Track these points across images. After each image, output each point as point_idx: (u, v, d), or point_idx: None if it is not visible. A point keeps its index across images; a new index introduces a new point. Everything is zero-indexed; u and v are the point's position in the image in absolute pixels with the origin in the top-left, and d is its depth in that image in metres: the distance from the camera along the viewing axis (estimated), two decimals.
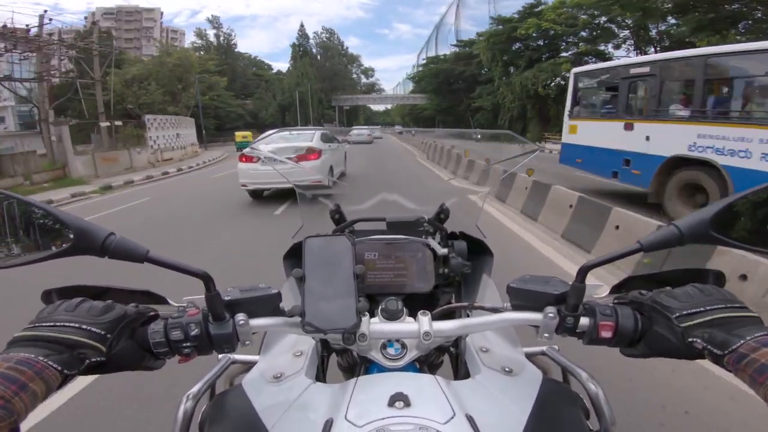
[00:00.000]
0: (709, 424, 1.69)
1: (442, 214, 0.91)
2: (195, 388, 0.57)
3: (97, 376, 0.45)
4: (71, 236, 0.42)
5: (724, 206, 0.45)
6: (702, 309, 0.44)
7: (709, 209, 0.45)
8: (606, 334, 0.48)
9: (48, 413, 1.80)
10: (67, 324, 0.42)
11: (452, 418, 0.42)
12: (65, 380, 0.40)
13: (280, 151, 5.06)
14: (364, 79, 59.81)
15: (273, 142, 5.03)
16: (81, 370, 0.41)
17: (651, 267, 2.72)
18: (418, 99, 46.64)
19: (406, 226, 0.88)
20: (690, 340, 0.43)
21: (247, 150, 5.04)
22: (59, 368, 0.39)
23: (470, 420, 0.42)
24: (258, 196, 6.56)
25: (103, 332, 0.42)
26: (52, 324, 0.42)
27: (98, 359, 0.42)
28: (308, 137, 5.83)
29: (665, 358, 0.46)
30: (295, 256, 0.83)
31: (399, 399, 0.44)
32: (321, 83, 43.86)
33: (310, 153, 5.43)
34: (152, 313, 0.48)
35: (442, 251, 0.83)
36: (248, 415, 0.48)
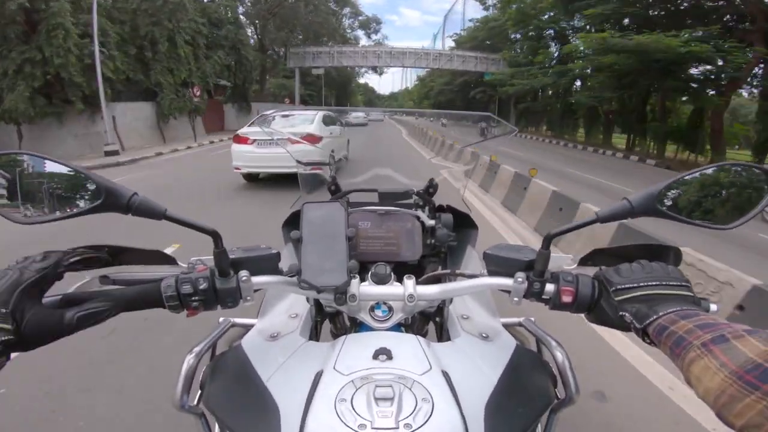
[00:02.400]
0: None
1: (431, 189, 0.96)
2: (197, 348, 0.61)
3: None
4: (101, 195, 0.46)
5: (669, 183, 0.50)
6: (636, 285, 0.48)
7: (657, 186, 0.49)
8: (566, 299, 0.53)
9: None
10: None
11: (428, 370, 0.47)
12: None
13: (278, 133, 4.70)
14: (363, 38, 37.42)
15: (268, 123, 4.57)
16: None
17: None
18: (469, 62, 32.91)
19: (397, 198, 0.94)
20: (621, 313, 0.47)
21: (241, 130, 5.10)
22: None
23: (445, 375, 0.46)
24: (253, 179, 6.36)
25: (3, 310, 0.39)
26: None
27: (8, 338, 0.40)
28: (308, 119, 5.55)
29: (608, 328, 0.52)
30: (292, 223, 0.89)
31: (382, 353, 0.49)
32: (277, 32, 27.10)
33: (309, 137, 4.85)
34: (152, 277, 0.52)
35: (430, 223, 0.89)
36: (246, 371, 0.53)
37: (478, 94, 38.35)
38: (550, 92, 26.24)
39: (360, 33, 38.86)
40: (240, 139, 5.46)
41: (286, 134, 4.39)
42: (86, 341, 1.68)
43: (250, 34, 27.45)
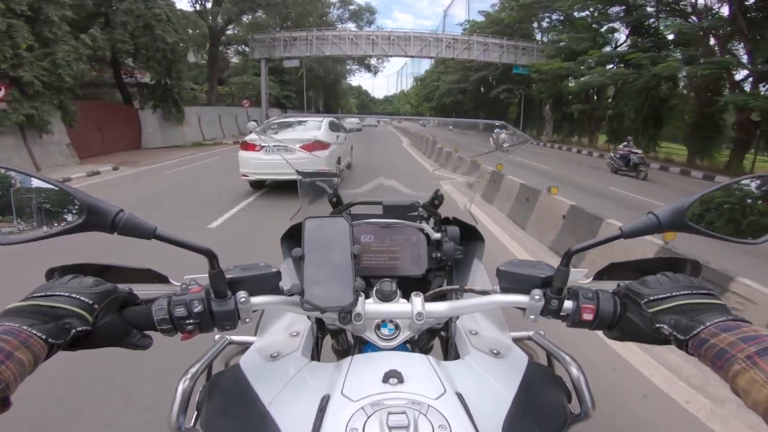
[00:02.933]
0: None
1: (437, 200, 1.02)
2: (193, 368, 0.64)
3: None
4: (83, 213, 0.49)
5: (699, 198, 0.54)
6: (669, 295, 0.52)
7: (685, 200, 0.54)
8: (587, 316, 0.56)
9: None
10: (58, 294, 0.50)
11: (443, 394, 0.49)
12: (51, 350, 0.47)
13: (286, 140, 5.00)
14: (350, 25, 34.44)
15: (276, 130, 5.18)
16: (67, 340, 0.48)
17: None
18: (493, 51, 27.90)
19: (402, 210, 0.99)
20: (657, 325, 0.51)
21: (249, 137, 5.48)
22: (44, 337, 0.45)
23: (460, 397, 0.49)
24: (259, 186, 6.78)
25: (90, 302, 0.51)
26: (43, 294, 0.50)
27: (84, 329, 0.49)
28: (315, 126, 6.13)
29: (638, 342, 0.56)
30: (292, 237, 0.96)
31: (393, 376, 0.51)
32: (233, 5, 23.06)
33: (318, 144, 5.62)
34: (142, 299, 0.57)
35: (436, 236, 0.94)
36: (245, 392, 0.56)
37: (502, 93, 33.05)
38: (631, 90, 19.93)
39: (351, 26, 34.30)
40: (247, 146, 5.87)
41: (295, 141, 4.90)
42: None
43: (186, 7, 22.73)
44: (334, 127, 6.44)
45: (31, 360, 0.43)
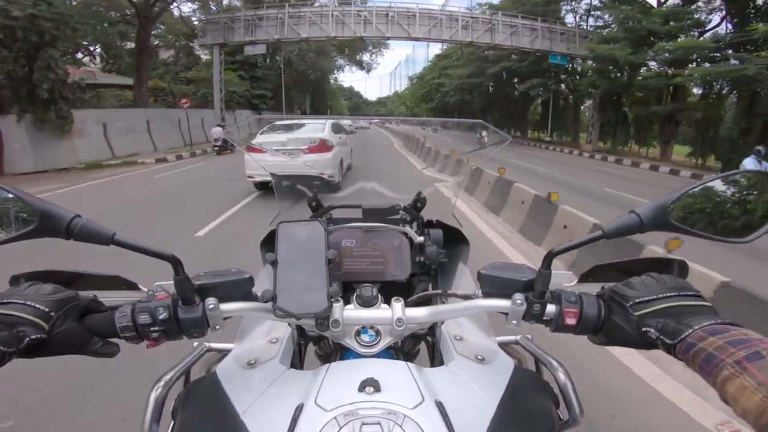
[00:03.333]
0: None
1: (419, 203, 1.04)
2: (167, 375, 0.68)
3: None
4: (35, 218, 0.52)
5: (682, 194, 0.56)
6: (655, 297, 0.54)
7: (667, 198, 0.56)
8: (570, 321, 0.59)
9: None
10: (12, 302, 0.54)
11: (421, 403, 0.51)
12: (3, 358, 0.50)
13: (290, 142, 6.01)
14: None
15: (279, 132, 6.16)
16: (20, 348, 0.51)
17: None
18: (523, 35, 22.95)
19: (382, 214, 1.02)
20: (644, 329, 0.53)
21: (254, 142, 5.29)
22: None
23: (439, 406, 0.51)
24: (264, 187, 6.93)
25: (47, 309, 0.54)
26: None
27: (38, 336, 0.53)
28: (319, 128, 6.56)
29: (623, 347, 0.60)
30: (271, 242, 0.97)
31: (369, 384, 0.53)
32: None
33: (323, 146, 6.07)
34: (106, 306, 0.62)
35: (419, 239, 0.97)
36: (220, 400, 0.59)
37: (533, 89, 26.59)
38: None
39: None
40: (253, 150, 5.76)
41: (301, 142, 5.70)
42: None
43: None
44: (336, 128, 6.85)
45: None
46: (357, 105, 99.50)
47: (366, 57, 39.00)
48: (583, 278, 0.67)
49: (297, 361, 0.79)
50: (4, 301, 0.53)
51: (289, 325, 0.77)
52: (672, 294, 0.53)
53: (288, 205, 1.16)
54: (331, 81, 54.14)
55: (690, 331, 0.47)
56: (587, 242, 0.57)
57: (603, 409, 2.14)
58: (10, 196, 0.52)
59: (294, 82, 31.97)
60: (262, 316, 0.63)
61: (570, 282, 0.67)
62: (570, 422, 0.63)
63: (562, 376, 0.66)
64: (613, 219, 0.58)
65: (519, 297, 0.60)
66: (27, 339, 0.51)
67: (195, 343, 0.77)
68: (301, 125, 6.82)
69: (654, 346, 0.53)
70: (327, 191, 1.20)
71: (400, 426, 0.46)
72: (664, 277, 0.56)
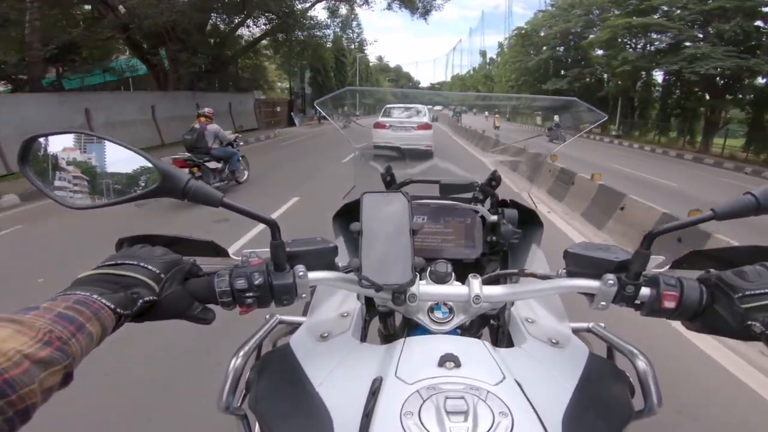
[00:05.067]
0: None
1: (494, 181, 1.03)
2: (246, 346, 0.70)
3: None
4: (159, 178, 0.54)
5: None
6: None
7: None
8: (669, 304, 0.58)
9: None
10: (128, 263, 0.56)
11: (503, 380, 0.51)
12: (119, 322, 0.52)
13: (405, 122, 8.16)
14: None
15: (394, 115, 8.42)
16: (134, 310, 0.54)
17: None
18: None
19: (460, 190, 1.02)
20: (749, 322, 0.52)
21: (380, 119, 7.23)
22: (113, 307, 0.50)
23: (519, 385, 0.52)
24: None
25: (158, 271, 0.57)
26: (113, 263, 0.57)
27: (150, 299, 0.55)
28: (423, 112, 8.65)
29: (722, 336, 0.58)
30: (344, 216, 1.02)
31: (449, 360, 0.53)
32: None
33: (426, 126, 8.22)
34: (205, 271, 0.64)
35: (492, 218, 0.97)
36: (295, 372, 0.60)
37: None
38: None
39: None
40: (380, 125, 7.71)
41: (412, 123, 7.76)
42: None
43: None
44: (431, 115, 9.36)
45: (99, 332, 0.47)
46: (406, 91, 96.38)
47: None
48: (677, 264, 0.65)
49: (364, 338, 0.80)
50: (120, 262, 0.55)
51: (359, 299, 0.80)
52: None
53: (363, 178, 1.19)
54: (364, 53, 46.07)
55: None
56: (695, 223, 0.55)
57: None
58: (139, 158, 0.54)
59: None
60: (345, 287, 0.64)
61: (661, 267, 0.65)
62: (646, 411, 0.62)
63: (642, 364, 0.65)
64: (728, 199, 0.56)
65: (611, 277, 0.59)
66: (140, 301, 0.53)
67: (267, 315, 0.79)
68: (408, 108, 8.85)
69: (755, 339, 0.52)
70: (403, 167, 1.22)
71: (484, 401, 0.46)
72: None
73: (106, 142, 0.55)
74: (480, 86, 64.63)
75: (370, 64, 61.91)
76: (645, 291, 0.59)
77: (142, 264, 0.55)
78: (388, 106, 8.10)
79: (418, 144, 5.09)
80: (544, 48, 34.18)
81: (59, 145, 0.54)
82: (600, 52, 26.59)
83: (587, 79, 29.33)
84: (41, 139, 0.54)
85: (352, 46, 39.92)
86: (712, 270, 0.60)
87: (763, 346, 0.52)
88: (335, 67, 36.30)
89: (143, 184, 0.55)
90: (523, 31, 34.88)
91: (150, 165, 0.54)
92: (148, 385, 2.19)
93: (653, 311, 0.59)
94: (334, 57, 35.23)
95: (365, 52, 46.08)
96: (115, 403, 2.07)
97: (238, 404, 0.64)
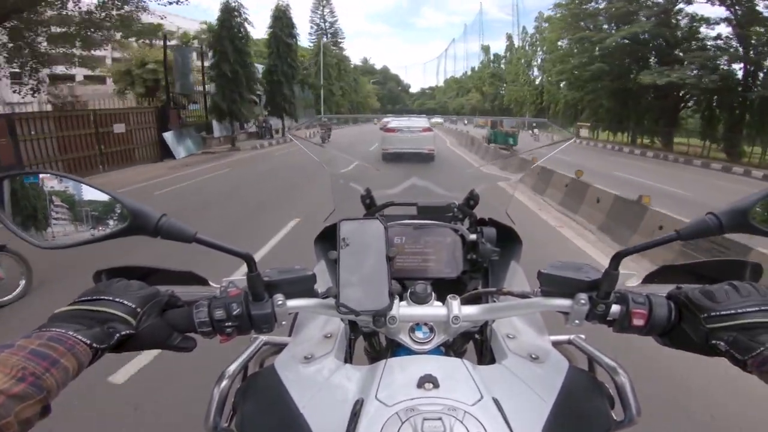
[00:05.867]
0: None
1: (472, 200, 1.07)
2: (231, 368, 0.72)
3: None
4: (128, 217, 0.55)
5: (764, 196, 0.55)
6: (734, 312, 0.54)
7: (748, 198, 0.55)
8: (638, 322, 0.60)
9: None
10: (103, 298, 0.57)
11: (480, 400, 0.52)
12: (96, 355, 0.53)
13: (411, 126, 9.11)
14: None
15: (399, 121, 9.70)
16: (111, 344, 0.55)
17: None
18: None
19: (437, 212, 1.04)
20: (713, 342, 0.54)
21: (390, 124, 8.48)
22: (89, 342, 0.51)
23: (497, 403, 0.53)
24: (392, 158, 9.10)
25: (134, 306, 0.58)
26: (89, 299, 0.57)
27: (127, 332, 0.57)
28: (422, 119, 11.79)
29: (687, 352, 0.60)
30: (325, 239, 1.05)
31: (428, 381, 0.55)
32: None
33: (428, 129, 9.70)
34: (183, 300, 0.65)
35: (471, 237, 0.99)
36: (280, 394, 0.61)
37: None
38: None
39: None
40: (389, 130, 8.87)
41: (416, 127, 9.13)
42: None
43: None
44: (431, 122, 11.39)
45: (75, 366, 0.49)
46: (395, 94, 74.83)
47: None
48: (649, 279, 0.67)
49: (348, 357, 0.82)
50: (95, 297, 0.57)
51: (342, 320, 0.81)
52: (752, 309, 0.52)
53: (343, 201, 1.22)
54: (338, 46, 36.57)
55: (762, 348, 0.47)
56: (660, 243, 0.56)
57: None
58: (106, 197, 0.55)
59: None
60: (324, 313, 0.65)
61: (634, 282, 0.67)
62: (626, 422, 0.63)
63: (620, 376, 0.67)
64: (690, 220, 0.56)
65: (583, 297, 0.60)
66: (117, 335, 0.54)
67: (252, 337, 0.80)
68: (408, 117, 10.72)
69: (720, 355, 0.53)
70: (383, 187, 1.24)
71: (461, 422, 0.48)
72: (747, 287, 0.56)
73: (73, 183, 0.56)
74: (486, 86, 57.51)
75: (353, 64, 52.31)
76: (616, 309, 0.61)
77: (117, 299, 0.57)
78: (392, 116, 10.08)
79: (421, 148, 6.09)
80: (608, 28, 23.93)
81: (27, 185, 0.55)
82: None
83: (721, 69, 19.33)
84: (6, 181, 0.55)
85: (324, 37, 32.34)
86: (682, 286, 0.62)
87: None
88: (276, 52, 21.86)
89: (113, 223, 0.56)
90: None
91: (119, 204, 0.55)
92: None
93: (624, 328, 0.61)
94: (274, 36, 21.85)
95: (340, 45, 36.15)
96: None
97: (226, 425, 0.66)
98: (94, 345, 0.51)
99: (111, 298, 0.57)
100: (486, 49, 61.62)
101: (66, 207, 0.55)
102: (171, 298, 0.64)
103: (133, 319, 0.56)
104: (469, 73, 76.04)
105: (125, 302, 0.57)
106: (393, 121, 9.48)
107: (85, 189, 0.55)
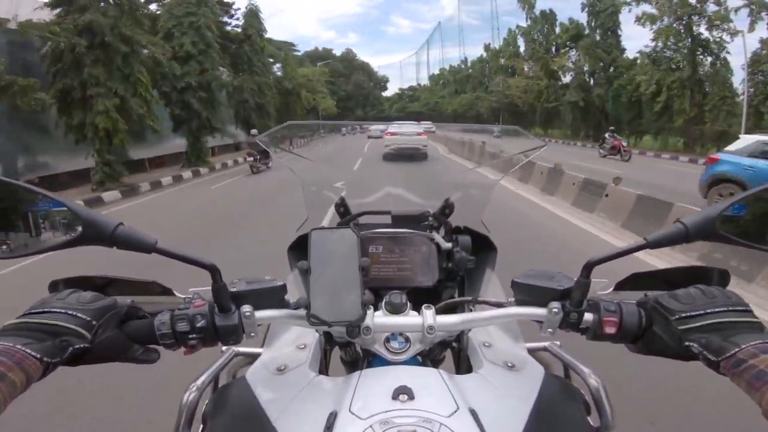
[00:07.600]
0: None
1: (447, 209, 1.05)
2: (199, 380, 0.70)
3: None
4: (80, 226, 0.53)
5: (731, 203, 0.57)
6: (702, 312, 0.55)
7: (716, 207, 0.57)
8: (610, 329, 0.61)
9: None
10: (55, 310, 0.55)
11: (456, 411, 0.51)
12: (47, 369, 0.51)
13: (407, 131, 9.51)
14: None
15: (397, 127, 10.50)
16: (63, 358, 0.53)
17: None
18: None
19: (411, 220, 1.04)
20: (686, 344, 0.54)
21: (391, 129, 9.03)
22: (39, 356, 0.49)
23: (473, 414, 0.52)
24: (394, 158, 8.99)
25: (88, 318, 0.56)
26: (40, 311, 0.55)
27: (82, 346, 0.54)
28: (416, 126, 10.49)
29: (662, 357, 0.60)
30: (299, 248, 1.02)
31: (403, 392, 0.54)
32: None
33: (422, 134, 9.69)
34: (144, 312, 0.63)
35: (446, 245, 1.00)
36: (252, 406, 0.60)
37: None
38: None
39: None
40: (389, 134, 9.11)
41: (412, 131, 9.03)
42: None
43: None
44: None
45: (23, 380, 0.47)
46: (365, 92, 59.01)
47: None
48: (620, 286, 0.68)
49: (323, 367, 0.81)
50: (47, 309, 0.54)
51: (317, 331, 0.79)
52: (720, 309, 0.53)
53: (316, 210, 1.19)
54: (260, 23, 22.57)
55: (738, 348, 0.48)
56: (630, 251, 0.57)
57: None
58: (56, 204, 0.53)
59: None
60: (295, 323, 0.64)
61: (605, 290, 0.68)
62: (602, 429, 0.64)
63: (594, 382, 0.67)
64: (659, 230, 0.57)
65: (555, 306, 0.61)
66: (71, 348, 0.52)
67: (223, 348, 0.78)
68: (402, 124, 11.85)
69: (695, 359, 0.54)
70: (359, 196, 1.22)
71: None
72: (712, 290, 0.57)
73: (21, 189, 0.53)
74: (499, 72, 46.77)
75: (298, 48, 41.04)
76: (588, 317, 0.62)
77: (70, 312, 0.54)
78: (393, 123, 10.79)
79: (418, 146, 6.59)
80: None
81: None
82: None
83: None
84: None
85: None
86: (649, 293, 0.63)
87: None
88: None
89: (64, 233, 0.54)
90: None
91: (70, 211, 0.53)
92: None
93: (596, 336, 0.62)
94: None
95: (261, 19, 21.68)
96: None
97: None
98: (45, 359, 0.49)
99: (63, 311, 0.54)
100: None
101: (13, 215, 0.53)
102: (130, 309, 0.62)
103: (88, 332, 0.54)
104: (468, 65, 63.00)
105: (78, 315, 0.54)
106: (393, 127, 10.55)
107: (33, 196, 0.53)
